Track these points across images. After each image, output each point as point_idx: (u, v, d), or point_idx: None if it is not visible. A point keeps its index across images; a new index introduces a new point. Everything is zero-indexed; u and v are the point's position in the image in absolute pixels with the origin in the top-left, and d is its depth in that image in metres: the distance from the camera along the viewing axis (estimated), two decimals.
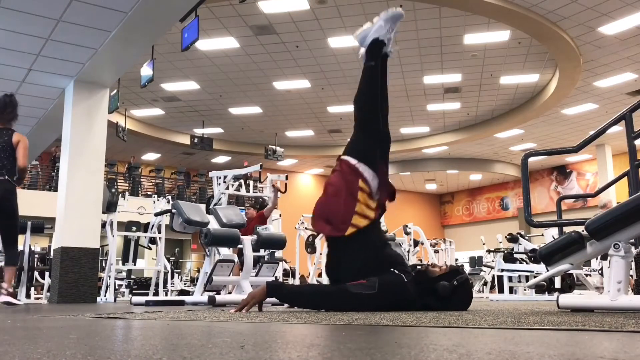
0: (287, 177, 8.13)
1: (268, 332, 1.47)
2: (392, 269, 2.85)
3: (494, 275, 10.44)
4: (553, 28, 10.44)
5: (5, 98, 5.15)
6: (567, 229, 3.54)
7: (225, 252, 6.07)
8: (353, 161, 3.00)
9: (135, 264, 8.89)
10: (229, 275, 5.13)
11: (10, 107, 5.11)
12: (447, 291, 2.75)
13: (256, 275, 5.43)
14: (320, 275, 9.24)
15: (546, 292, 8.14)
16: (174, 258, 13.91)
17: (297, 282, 10.52)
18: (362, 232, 2.91)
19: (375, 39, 3.10)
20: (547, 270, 2.98)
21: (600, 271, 8.91)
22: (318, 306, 2.79)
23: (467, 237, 24.19)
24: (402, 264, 2.94)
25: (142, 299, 5.61)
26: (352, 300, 2.71)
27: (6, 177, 4.85)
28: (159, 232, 8.20)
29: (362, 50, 3.17)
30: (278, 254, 7.30)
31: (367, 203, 2.94)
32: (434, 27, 10.77)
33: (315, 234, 9.87)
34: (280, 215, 10.06)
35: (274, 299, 2.89)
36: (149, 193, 17.90)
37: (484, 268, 12.02)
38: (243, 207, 10.28)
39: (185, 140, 17.34)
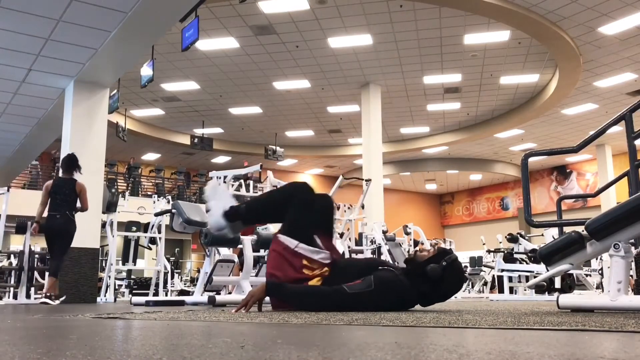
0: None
1: (268, 332, 1.47)
2: (380, 267, 2.89)
3: (494, 276, 10.44)
4: (553, 28, 10.44)
5: (69, 156, 6.40)
6: (567, 229, 3.54)
7: (225, 252, 6.07)
8: (292, 243, 2.88)
9: (135, 264, 8.89)
10: (229, 276, 5.13)
11: (73, 164, 6.35)
12: (437, 272, 2.75)
13: (256, 275, 5.43)
14: None
15: (546, 292, 8.14)
16: (174, 258, 13.90)
17: None
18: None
19: (218, 224, 3.04)
20: (547, 270, 2.98)
21: (600, 271, 8.92)
22: (317, 307, 2.78)
23: (467, 237, 24.19)
24: (388, 264, 3.00)
25: (142, 299, 5.61)
26: (351, 299, 2.71)
27: (66, 212, 6.22)
28: (159, 232, 8.20)
29: (225, 230, 3.08)
30: None
31: (314, 274, 2.88)
32: (434, 27, 10.77)
33: None
34: None
35: None
36: (149, 193, 17.90)
37: (484, 268, 12.02)
38: None
39: (185, 140, 17.35)
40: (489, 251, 12.45)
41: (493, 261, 11.02)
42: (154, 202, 9.21)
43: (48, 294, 6.09)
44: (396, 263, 8.93)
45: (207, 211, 3.12)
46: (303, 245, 2.90)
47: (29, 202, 14.23)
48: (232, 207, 3.07)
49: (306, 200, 3.00)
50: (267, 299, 2.90)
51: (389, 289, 2.76)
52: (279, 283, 2.86)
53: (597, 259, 8.86)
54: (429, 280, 2.78)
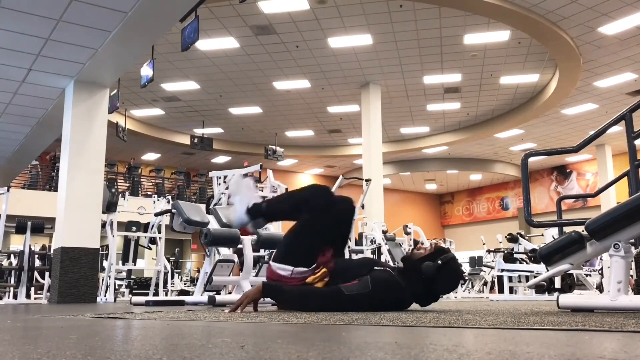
0: None
1: (268, 332, 1.47)
2: (375, 267, 2.88)
3: (493, 276, 10.44)
4: (553, 28, 10.44)
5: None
6: (567, 229, 3.54)
7: (225, 252, 6.06)
8: (287, 270, 2.89)
9: (135, 264, 8.89)
10: (229, 275, 5.13)
11: None
12: (431, 271, 2.74)
13: (256, 275, 5.43)
14: None
15: (546, 292, 8.13)
16: (174, 258, 13.91)
17: None
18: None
19: (241, 220, 3.11)
20: (547, 270, 2.98)
21: (600, 271, 8.92)
22: (314, 308, 2.76)
23: (467, 237, 24.19)
24: (382, 264, 2.99)
25: (142, 299, 5.61)
26: (348, 301, 2.70)
27: None
28: (159, 232, 8.20)
29: (249, 226, 3.14)
30: None
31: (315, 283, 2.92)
32: (434, 27, 10.77)
33: None
34: None
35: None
36: (149, 193, 17.90)
37: (484, 268, 12.01)
38: None
39: (185, 140, 17.34)
40: (489, 251, 12.43)
41: (493, 261, 11.02)
42: (154, 202, 9.20)
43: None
44: (395, 263, 8.93)
45: (230, 205, 3.21)
46: (298, 269, 2.89)
47: (29, 202, 14.26)
48: (255, 204, 3.10)
49: (320, 205, 2.99)
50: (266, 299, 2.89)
51: (386, 289, 2.75)
52: (276, 284, 2.84)
53: (597, 259, 8.86)
54: (423, 277, 2.78)
